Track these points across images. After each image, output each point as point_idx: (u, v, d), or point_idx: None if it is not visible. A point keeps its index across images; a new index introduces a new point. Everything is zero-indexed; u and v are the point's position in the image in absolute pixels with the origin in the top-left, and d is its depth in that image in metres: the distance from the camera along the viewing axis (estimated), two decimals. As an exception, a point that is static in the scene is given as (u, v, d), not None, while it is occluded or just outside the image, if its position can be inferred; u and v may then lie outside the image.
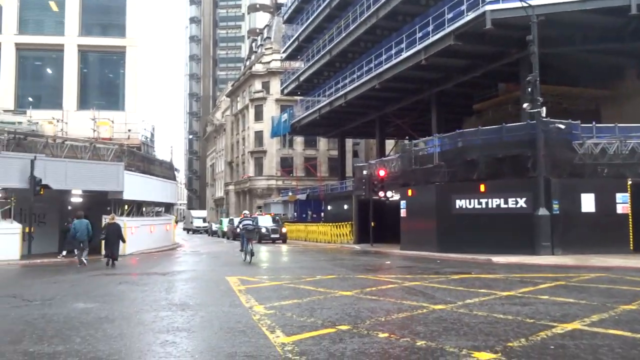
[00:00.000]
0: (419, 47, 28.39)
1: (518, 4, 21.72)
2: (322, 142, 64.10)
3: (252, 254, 17.95)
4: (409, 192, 22.61)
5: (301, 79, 48.27)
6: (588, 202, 18.61)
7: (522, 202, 18.81)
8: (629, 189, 18.57)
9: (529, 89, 18.01)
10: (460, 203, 19.87)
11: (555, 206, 18.36)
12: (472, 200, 19.64)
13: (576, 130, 19.37)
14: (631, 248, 18.24)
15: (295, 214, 47.25)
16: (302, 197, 48.24)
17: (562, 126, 18.94)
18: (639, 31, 26.08)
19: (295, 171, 64.24)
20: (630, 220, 18.44)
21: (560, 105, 29.59)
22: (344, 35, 37.50)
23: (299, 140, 63.47)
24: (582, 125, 19.48)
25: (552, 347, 5.93)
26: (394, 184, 25.18)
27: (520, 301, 9.01)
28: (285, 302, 9.01)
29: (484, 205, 19.42)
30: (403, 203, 22.89)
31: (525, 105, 18.15)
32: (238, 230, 21.95)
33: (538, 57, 28.07)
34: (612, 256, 16.82)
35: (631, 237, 18.38)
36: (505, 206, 19.06)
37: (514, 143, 19.27)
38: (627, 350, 5.77)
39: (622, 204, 18.54)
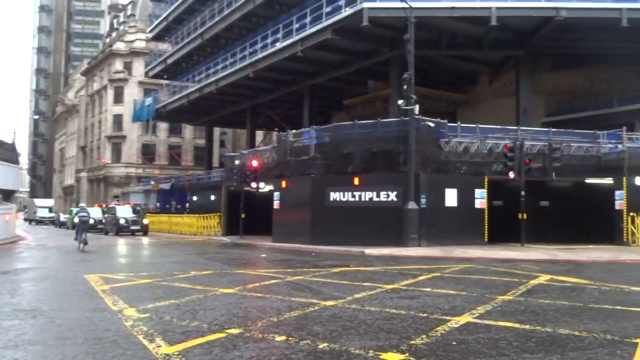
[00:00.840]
0: (295, 38, 28.12)
1: (394, 4, 22.35)
2: (188, 130, 61.50)
3: (85, 243, 19.26)
4: (283, 184, 22.23)
5: (169, 61, 45.66)
6: (451, 197, 19.71)
7: (393, 196, 19.36)
8: (486, 185, 20.01)
9: (404, 86, 18.54)
10: (334, 195, 19.94)
11: (423, 200, 19.16)
12: (346, 193, 19.80)
13: (443, 129, 20.42)
14: (486, 239, 19.69)
15: (158, 204, 44.57)
16: (166, 186, 45.70)
17: (432, 124, 19.84)
18: (496, 41, 28.43)
19: (158, 159, 60.86)
20: (486, 214, 19.90)
21: (423, 105, 31.19)
22: (217, 19, 36.04)
23: (163, 126, 60.21)
24: (448, 125, 20.59)
25: (454, 342, 5.77)
26: (267, 175, 24.67)
27: (407, 294, 8.97)
28: (161, 304, 7.98)
29: (357, 198, 19.67)
30: (277, 195, 22.44)
31: (400, 102, 18.67)
32: (75, 221, 23.12)
33: (406, 58, 29.47)
34: (471, 247, 18.02)
35: (486, 229, 19.84)
36: (378, 199, 19.48)
37: (388, 138, 19.80)
38: (523, 342, 5.80)
39: (480, 199, 19.93)
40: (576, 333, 6.26)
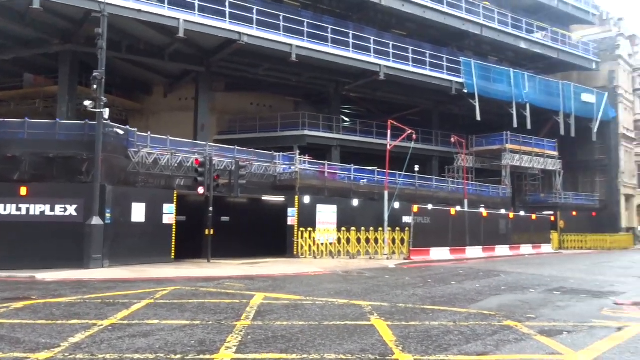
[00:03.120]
0: None
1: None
2: None
3: None
4: None
5: None
6: (139, 212, 18.23)
7: (72, 210, 16.65)
8: (175, 200, 19.31)
9: (95, 86, 16.28)
10: (-8, 208, 15.92)
11: (108, 215, 17.13)
12: (9, 206, 16.06)
13: (132, 138, 18.83)
14: (173, 257, 18.96)
15: None
16: None
17: (121, 132, 18.04)
18: (179, 54, 28.21)
19: None
20: (174, 230, 19.18)
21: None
22: None
23: None
24: (138, 134, 19.10)
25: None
26: None
27: (136, 331, 7.54)
28: None
29: (25, 212, 16.18)
30: None
31: (87, 103, 16.27)
32: None
33: (77, 56, 26.34)
34: (160, 265, 17.08)
35: (173, 246, 19.11)
36: (52, 214, 16.45)
37: (69, 143, 17.00)
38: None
39: (169, 214, 19.08)
40: (342, 357, 6.28)
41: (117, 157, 18.07)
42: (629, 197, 46.45)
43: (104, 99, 16.60)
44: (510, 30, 37.67)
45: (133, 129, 19.01)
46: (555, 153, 39.80)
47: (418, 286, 13.46)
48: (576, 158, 44.06)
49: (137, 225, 18.06)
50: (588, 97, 41.65)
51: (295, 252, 21.56)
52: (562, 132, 39.53)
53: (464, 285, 13.82)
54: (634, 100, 49.58)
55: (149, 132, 19.80)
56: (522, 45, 38.89)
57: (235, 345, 6.78)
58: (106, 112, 16.76)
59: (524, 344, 7.26)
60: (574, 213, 39.09)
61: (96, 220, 16.43)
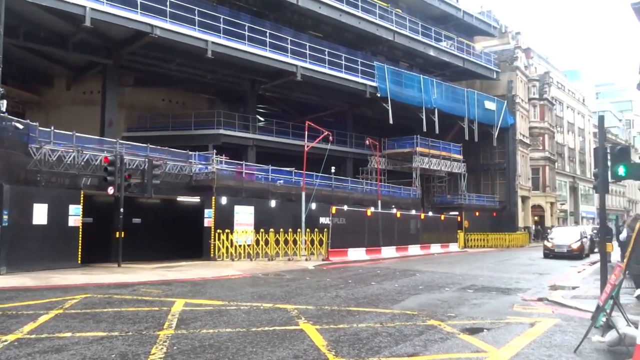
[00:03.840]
0: None
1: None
2: None
3: None
4: None
5: None
6: (41, 213, 16.81)
7: (-38, 212, 15.05)
8: (82, 201, 18.05)
9: None
10: None
11: (5, 217, 15.64)
12: None
13: (33, 133, 17.33)
14: (79, 261, 17.72)
15: None
16: None
17: (21, 126, 16.56)
18: (84, 44, 26.53)
19: None
20: (81, 232, 17.92)
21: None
22: None
23: None
24: (40, 129, 17.63)
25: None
26: None
27: (48, 346, 6.87)
28: None
29: None
30: None
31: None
32: None
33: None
34: (66, 271, 15.91)
35: (80, 250, 17.86)
36: (-62, 216, 14.76)
37: (-41, 137, 15.31)
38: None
39: (75, 216, 17.79)
40: (278, 365, 6.11)
41: (16, 154, 16.55)
42: (524, 199, 50.04)
43: (1, 90, 15.14)
44: (420, 37, 39.23)
45: (34, 124, 17.49)
46: (460, 157, 41.98)
47: (340, 287, 13.53)
48: (479, 161, 46.88)
49: (39, 227, 16.64)
50: (490, 105, 44.38)
51: (212, 255, 20.94)
52: (467, 136, 41.79)
53: (383, 285, 14.09)
54: (529, 108, 53.50)
55: (52, 127, 18.32)
56: (432, 52, 40.64)
57: (161, 357, 6.39)
58: (3, 104, 15.31)
59: (449, 342, 7.47)
60: (477, 213, 41.47)
61: (-9, 223, 14.95)
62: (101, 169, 18.55)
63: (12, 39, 23.62)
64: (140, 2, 24.03)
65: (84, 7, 22.49)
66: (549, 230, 36.35)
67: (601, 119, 11.50)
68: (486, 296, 12.55)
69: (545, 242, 28.55)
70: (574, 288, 13.97)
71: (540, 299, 12.13)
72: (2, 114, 15.45)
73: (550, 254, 27.18)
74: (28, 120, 17.71)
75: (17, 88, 30.92)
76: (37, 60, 29.66)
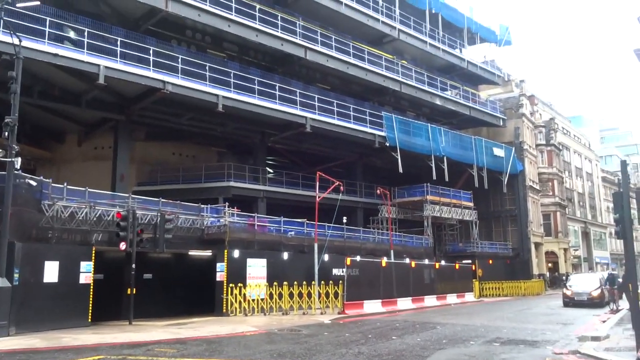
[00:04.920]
0: None
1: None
2: None
3: None
4: None
5: None
6: (51, 271, 16.53)
7: (-27, 271, 14.76)
8: (93, 257, 17.78)
9: (6, 133, 14.90)
10: None
11: (16, 276, 15.36)
12: None
13: (46, 190, 17.28)
14: (89, 320, 17.28)
15: None
16: None
17: (34, 183, 16.53)
18: (97, 101, 26.94)
19: None
20: (92, 289, 17.56)
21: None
22: None
23: None
24: (53, 185, 17.59)
25: None
26: None
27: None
28: None
29: None
30: None
31: (-3, 150, 14.81)
32: None
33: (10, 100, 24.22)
34: (76, 330, 15.46)
35: (90, 308, 17.45)
36: (-51, 276, 14.48)
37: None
38: None
39: (86, 273, 17.48)
40: None
41: (29, 211, 16.43)
42: (537, 245, 49.25)
43: (15, 147, 15.21)
44: (426, 87, 39.72)
45: (47, 180, 17.46)
46: (471, 204, 41.61)
47: (361, 343, 13.01)
48: (490, 208, 46.44)
49: (50, 286, 16.33)
50: (498, 152, 44.40)
51: (224, 310, 20.40)
52: (477, 184, 41.58)
53: (405, 340, 13.55)
54: (537, 154, 53.50)
55: (65, 184, 18.27)
56: (438, 101, 41.05)
57: None
58: (18, 162, 15.33)
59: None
60: (490, 261, 40.70)
61: (3, 282, 14.63)
62: (113, 224, 18.39)
63: (26, 97, 24.00)
64: (153, 59, 24.51)
65: (98, 65, 22.92)
66: (563, 278, 35.51)
67: (623, 163, 11.37)
68: (514, 350, 12.01)
69: (565, 290, 27.77)
70: (604, 339, 13.38)
71: (572, 352, 11.60)
72: (16, 172, 15.41)
73: (570, 302, 26.40)
74: (41, 177, 17.69)
75: (29, 145, 31.19)
76: (50, 118, 30.06)
